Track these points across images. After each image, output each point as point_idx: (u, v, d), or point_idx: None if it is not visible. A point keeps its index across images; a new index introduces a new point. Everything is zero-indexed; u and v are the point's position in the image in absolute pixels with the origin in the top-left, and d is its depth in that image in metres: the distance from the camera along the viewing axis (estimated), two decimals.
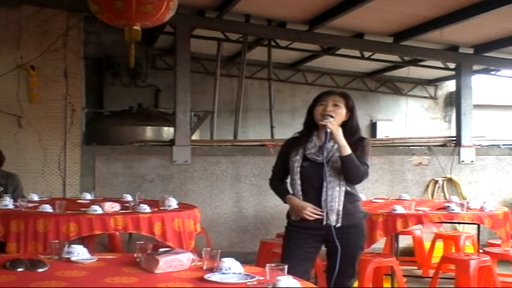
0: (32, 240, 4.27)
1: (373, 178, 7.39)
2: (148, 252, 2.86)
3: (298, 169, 3.57)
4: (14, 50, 7.06)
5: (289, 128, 9.69)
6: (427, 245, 6.73)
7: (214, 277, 2.54)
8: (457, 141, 8.15)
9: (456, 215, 5.24)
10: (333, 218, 3.51)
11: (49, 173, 7.12)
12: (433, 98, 12.54)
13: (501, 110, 13.34)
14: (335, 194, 3.52)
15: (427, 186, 7.93)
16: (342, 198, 3.53)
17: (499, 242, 5.88)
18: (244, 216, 7.47)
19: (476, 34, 7.72)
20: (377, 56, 9.24)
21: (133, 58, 5.60)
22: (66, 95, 7.16)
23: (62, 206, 4.56)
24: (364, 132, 3.89)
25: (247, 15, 7.53)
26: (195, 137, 8.39)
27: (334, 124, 3.49)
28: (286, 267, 2.51)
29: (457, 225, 7.13)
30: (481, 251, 5.69)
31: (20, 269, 2.65)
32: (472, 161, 8.07)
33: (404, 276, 5.66)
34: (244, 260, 2.90)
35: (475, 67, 8.90)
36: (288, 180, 3.71)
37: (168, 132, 8.65)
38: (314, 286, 2.58)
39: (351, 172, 3.51)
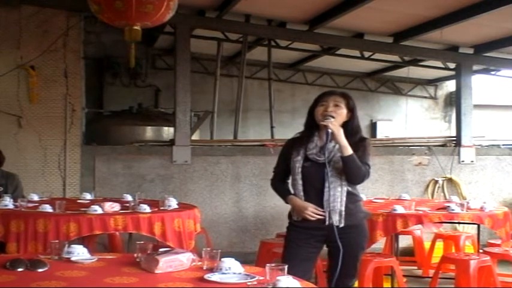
0: (32, 240, 4.27)
1: (373, 178, 7.39)
2: (148, 252, 2.86)
3: (300, 169, 3.57)
4: (14, 50, 7.06)
5: (289, 128, 9.71)
6: (427, 245, 6.73)
7: (214, 277, 2.54)
8: (457, 141, 8.15)
9: (456, 215, 5.24)
10: (335, 218, 3.52)
11: (49, 173, 7.12)
12: (433, 98, 12.54)
13: (501, 110, 13.34)
14: (337, 194, 3.53)
15: (427, 186, 7.93)
16: (344, 199, 3.53)
17: (499, 242, 5.88)
18: (244, 216, 7.47)
19: (476, 34, 7.72)
20: (377, 56, 9.23)
21: (133, 58, 5.60)
22: (66, 95, 7.16)
23: (62, 206, 4.56)
24: (364, 132, 3.89)
25: (247, 15, 7.53)
26: (195, 137, 8.39)
27: (335, 124, 3.49)
28: (286, 267, 2.51)
29: (457, 225, 7.13)
30: (481, 251, 5.69)
31: (20, 269, 2.65)
32: (472, 161, 8.07)
33: (404, 276, 5.66)
34: (244, 260, 2.90)
35: (475, 67, 8.90)
36: (290, 181, 3.71)
37: (168, 132, 8.65)
38: (314, 286, 2.58)
39: (353, 172, 3.51)
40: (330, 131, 3.47)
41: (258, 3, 7.03)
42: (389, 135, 10.49)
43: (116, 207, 4.68)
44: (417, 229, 6.56)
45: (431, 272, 5.94)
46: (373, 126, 12.18)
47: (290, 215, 3.71)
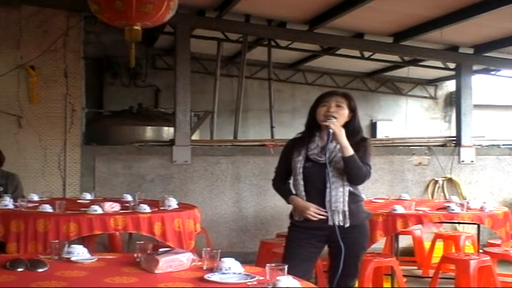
0: (32, 240, 4.27)
1: (373, 178, 7.37)
2: (148, 252, 2.86)
3: (301, 170, 3.57)
4: (14, 50, 7.06)
5: (289, 128, 9.72)
6: (427, 245, 6.73)
7: (214, 277, 2.54)
8: (457, 141, 8.15)
9: (456, 215, 5.24)
10: (338, 218, 3.52)
11: (49, 173, 7.12)
12: (433, 98, 12.54)
13: (501, 110, 13.34)
14: (339, 194, 3.53)
15: (427, 186, 7.93)
16: (347, 199, 3.54)
17: (499, 242, 5.88)
18: (244, 216, 7.47)
19: (476, 34, 7.72)
20: (377, 56, 9.24)
21: (133, 58, 5.59)
22: (66, 95, 7.16)
23: (62, 206, 4.56)
24: (364, 132, 3.89)
25: (247, 15, 7.53)
26: (195, 137, 8.39)
27: (337, 125, 3.50)
28: (286, 267, 2.51)
29: (457, 225, 7.13)
30: (481, 251, 5.69)
31: (20, 269, 2.65)
32: (472, 161, 8.07)
33: (404, 276, 5.67)
34: (244, 260, 2.90)
35: (475, 67, 8.90)
36: (291, 181, 3.71)
37: (168, 132, 8.65)
38: (314, 286, 2.58)
39: (354, 173, 3.51)
40: (331, 131, 3.47)
41: (258, 3, 7.03)
42: (389, 135, 10.49)
43: (116, 207, 4.68)
44: (417, 229, 6.56)
45: (431, 272, 5.95)
46: (373, 126, 12.18)
47: (291, 215, 3.71)
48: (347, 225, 3.53)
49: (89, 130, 7.71)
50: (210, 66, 10.54)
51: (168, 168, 7.29)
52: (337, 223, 3.52)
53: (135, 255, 2.91)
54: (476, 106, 8.73)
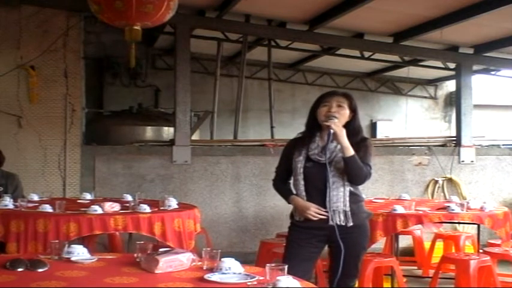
0: (32, 240, 4.27)
1: (373, 178, 7.30)
2: (148, 252, 2.86)
3: (302, 170, 3.57)
4: (14, 50, 7.05)
5: (289, 128, 9.73)
6: (427, 245, 6.73)
7: (214, 277, 2.54)
8: (457, 141, 8.15)
9: (456, 215, 5.24)
10: (340, 218, 3.52)
11: (49, 173, 7.12)
12: (433, 98, 12.54)
13: (501, 110, 13.34)
14: (340, 194, 3.53)
15: (427, 186, 7.93)
16: (347, 199, 3.54)
17: (499, 242, 5.88)
18: (244, 216, 7.47)
19: (476, 34, 7.72)
20: (377, 56, 9.23)
21: (133, 58, 5.59)
22: (66, 95, 7.16)
23: (62, 206, 4.56)
24: (364, 132, 3.89)
25: (247, 15, 7.53)
26: (195, 137, 8.39)
27: (338, 125, 3.49)
28: (286, 267, 2.51)
29: (457, 225, 7.13)
30: (481, 251, 5.69)
31: (20, 269, 2.65)
32: (472, 161, 8.07)
33: (404, 276, 5.67)
34: (244, 260, 2.90)
35: (475, 67, 8.90)
36: (291, 181, 3.71)
37: (168, 132, 8.64)
38: (314, 286, 2.58)
39: (354, 173, 3.51)
40: (331, 131, 3.47)
41: (258, 3, 7.03)
42: (389, 135, 10.49)
43: (116, 207, 4.68)
44: (417, 229, 6.56)
45: (431, 272, 5.94)
46: (373, 126, 12.18)
47: (292, 215, 3.71)
48: (349, 224, 3.53)
49: (89, 130, 7.71)
50: (210, 66, 10.53)
51: (168, 168, 7.29)
52: (337, 223, 3.52)
53: (135, 255, 2.91)
54: (476, 106, 8.73)
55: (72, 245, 3.00)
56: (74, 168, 7.15)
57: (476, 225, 5.61)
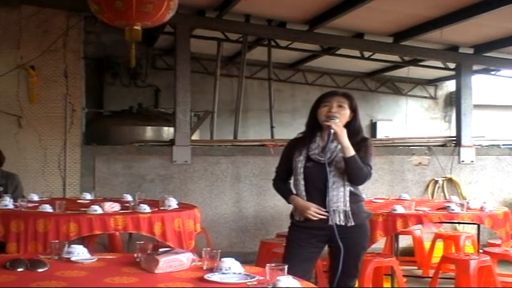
0: (32, 240, 4.27)
1: (373, 178, 7.25)
2: (148, 252, 2.86)
3: (302, 170, 3.58)
4: (14, 50, 7.06)
5: (289, 128, 9.74)
6: (427, 245, 6.73)
7: (214, 277, 2.54)
8: (457, 141, 8.15)
9: (456, 215, 5.24)
10: (339, 218, 3.52)
11: (49, 173, 7.12)
12: (433, 98, 12.54)
13: (501, 110, 13.34)
14: (340, 194, 3.53)
15: (427, 186, 7.93)
16: (347, 199, 3.54)
17: (499, 242, 5.88)
18: (244, 216, 7.47)
19: (476, 34, 7.72)
20: (377, 56, 9.23)
21: (134, 58, 5.59)
22: (66, 95, 7.16)
23: (62, 206, 4.56)
24: (364, 132, 3.89)
25: (247, 15, 7.53)
26: (195, 137, 8.39)
27: (339, 125, 3.50)
28: (286, 267, 2.51)
29: (457, 225, 7.13)
30: (481, 251, 5.69)
31: (20, 269, 2.64)
32: (472, 161, 8.07)
33: (404, 276, 5.67)
34: (244, 260, 2.90)
35: (475, 67, 8.90)
36: (292, 181, 3.72)
37: (168, 132, 8.64)
38: (314, 286, 2.58)
39: (355, 173, 3.51)
40: (332, 131, 3.47)
41: (258, 3, 7.03)
42: (389, 135, 10.49)
43: (116, 207, 4.68)
44: (417, 229, 6.56)
45: (431, 272, 5.95)
46: (373, 126, 12.18)
47: (292, 215, 3.71)
48: (349, 224, 3.53)
49: (89, 130, 7.71)
50: (210, 66, 10.53)
51: (168, 168, 7.29)
52: (337, 223, 3.52)
53: (135, 255, 2.91)
54: (476, 106, 8.73)
55: (72, 245, 2.99)
56: (74, 168, 7.15)
57: (476, 225, 5.61)
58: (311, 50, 9.90)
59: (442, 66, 9.95)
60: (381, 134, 11.73)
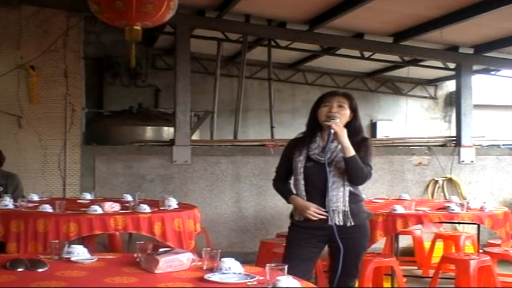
0: (32, 240, 4.27)
1: (373, 178, 7.23)
2: (148, 252, 2.86)
3: (302, 169, 3.58)
4: (14, 50, 7.06)
5: (289, 128, 9.74)
6: (427, 245, 6.73)
7: (214, 277, 2.54)
8: (457, 141, 8.15)
9: (456, 215, 5.24)
10: (338, 218, 3.52)
11: (49, 173, 7.12)
12: (433, 98, 12.54)
13: (501, 110, 13.34)
14: (339, 194, 3.53)
15: (427, 186, 7.93)
16: (347, 199, 3.54)
17: (499, 242, 5.88)
18: (244, 216, 7.47)
19: (476, 34, 7.72)
20: (377, 56, 9.23)
21: (134, 58, 5.59)
22: (66, 95, 7.16)
23: (62, 206, 4.56)
24: (365, 132, 3.89)
25: (247, 15, 7.53)
26: (195, 137, 8.39)
27: (339, 125, 3.50)
28: (286, 267, 2.51)
29: (457, 225, 7.13)
30: (481, 251, 5.69)
31: (20, 269, 2.64)
32: (472, 161, 8.07)
33: (404, 276, 5.67)
34: (244, 260, 2.90)
35: (475, 67, 8.90)
36: (292, 181, 3.72)
37: (168, 132, 8.65)
38: (314, 286, 2.58)
39: (355, 173, 3.51)
40: (332, 131, 3.47)
41: (258, 3, 7.03)
42: (389, 135, 10.49)
43: (116, 207, 4.68)
44: (417, 229, 6.56)
45: (431, 272, 5.95)
46: (373, 126, 12.18)
47: (292, 215, 3.71)
48: (348, 224, 3.53)
49: (89, 130, 7.71)
50: (210, 66, 10.53)
51: (168, 168, 7.29)
52: (337, 223, 3.52)
53: (135, 255, 2.91)
54: (476, 106, 8.73)
55: (72, 245, 2.99)
56: (74, 168, 7.15)
57: (476, 225, 5.61)
58: (311, 50, 9.90)
59: (442, 66, 9.95)
60: (381, 134, 11.73)
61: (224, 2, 7.06)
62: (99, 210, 4.50)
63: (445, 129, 12.29)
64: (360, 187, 3.69)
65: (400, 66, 10.51)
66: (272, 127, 9.45)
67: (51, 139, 7.13)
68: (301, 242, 3.61)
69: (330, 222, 3.52)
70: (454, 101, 10.48)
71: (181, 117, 7.31)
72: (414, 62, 9.86)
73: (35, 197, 5.32)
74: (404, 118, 11.31)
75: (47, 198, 5.36)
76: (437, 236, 6.63)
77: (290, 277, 2.44)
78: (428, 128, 12.07)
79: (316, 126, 3.63)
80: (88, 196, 5.67)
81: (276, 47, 9.40)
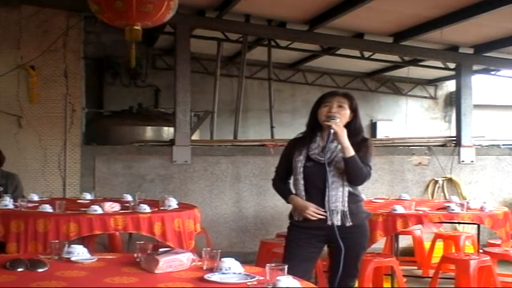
0: (32, 240, 4.27)
1: (373, 178, 7.27)
2: (148, 252, 2.86)
3: (302, 169, 3.58)
4: (14, 50, 7.06)
5: (289, 128, 9.74)
6: (427, 245, 6.73)
7: (214, 277, 2.54)
8: (457, 141, 8.15)
9: (456, 215, 5.24)
10: (337, 218, 3.52)
11: (49, 173, 7.12)
12: (433, 98, 12.54)
13: (501, 110, 13.34)
14: (339, 194, 3.53)
15: (427, 186, 7.93)
16: (346, 199, 3.54)
17: (499, 242, 5.88)
18: (244, 216, 7.47)
19: (476, 34, 7.72)
20: (377, 56, 9.24)
21: (134, 58, 5.59)
22: (66, 95, 7.16)
23: (62, 206, 4.56)
24: (365, 132, 3.89)
25: (247, 15, 7.53)
26: (195, 137, 8.39)
27: (339, 125, 3.50)
28: (286, 267, 2.51)
29: (457, 225, 7.13)
30: (481, 251, 5.69)
31: (20, 269, 2.64)
32: (472, 161, 8.07)
33: (404, 276, 5.67)
34: (244, 260, 2.90)
35: (475, 67, 8.90)
36: (291, 181, 3.72)
37: (168, 132, 8.65)
38: (314, 286, 2.58)
39: (354, 173, 3.51)
40: (332, 131, 3.47)
41: (258, 3, 7.03)
42: (390, 135, 10.49)
43: (116, 207, 4.68)
44: (417, 229, 6.56)
45: (431, 272, 5.95)
46: (373, 126, 12.18)
47: (291, 215, 3.71)
48: (347, 224, 3.53)
49: (89, 130, 7.71)
50: (210, 66, 10.54)
51: (168, 168, 7.29)
52: (336, 223, 3.52)
53: (135, 255, 2.91)
54: (476, 106, 8.73)
55: (72, 245, 2.99)
56: (74, 168, 7.16)
57: (476, 225, 5.61)
58: (311, 50, 9.90)
59: (442, 66, 9.95)
60: (381, 134, 11.73)
61: (224, 2, 7.06)
62: (99, 210, 4.50)
63: (445, 129, 12.29)
64: (360, 187, 3.69)
65: (400, 66, 10.51)
66: (272, 127, 9.45)
67: (51, 139, 7.13)
68: (300, 242, 3.60)
69: (328, 222, 3.52)
70: (454, 101, 10.48)
71: (181, 117, 7.31)
72: (414, 62, 9.86)
73: (35, 197, 5.32)
74: (404, 118, 11.31)
75: (47, 198, 5.36)
76: (437, 236, 6.63)
77: (290, 277, 2.44)
78: (428, 128, 12.08)
79: (316, 126, 3.63)
80: (88, 196, 5.67)
81: (276, 47, 9.40)
